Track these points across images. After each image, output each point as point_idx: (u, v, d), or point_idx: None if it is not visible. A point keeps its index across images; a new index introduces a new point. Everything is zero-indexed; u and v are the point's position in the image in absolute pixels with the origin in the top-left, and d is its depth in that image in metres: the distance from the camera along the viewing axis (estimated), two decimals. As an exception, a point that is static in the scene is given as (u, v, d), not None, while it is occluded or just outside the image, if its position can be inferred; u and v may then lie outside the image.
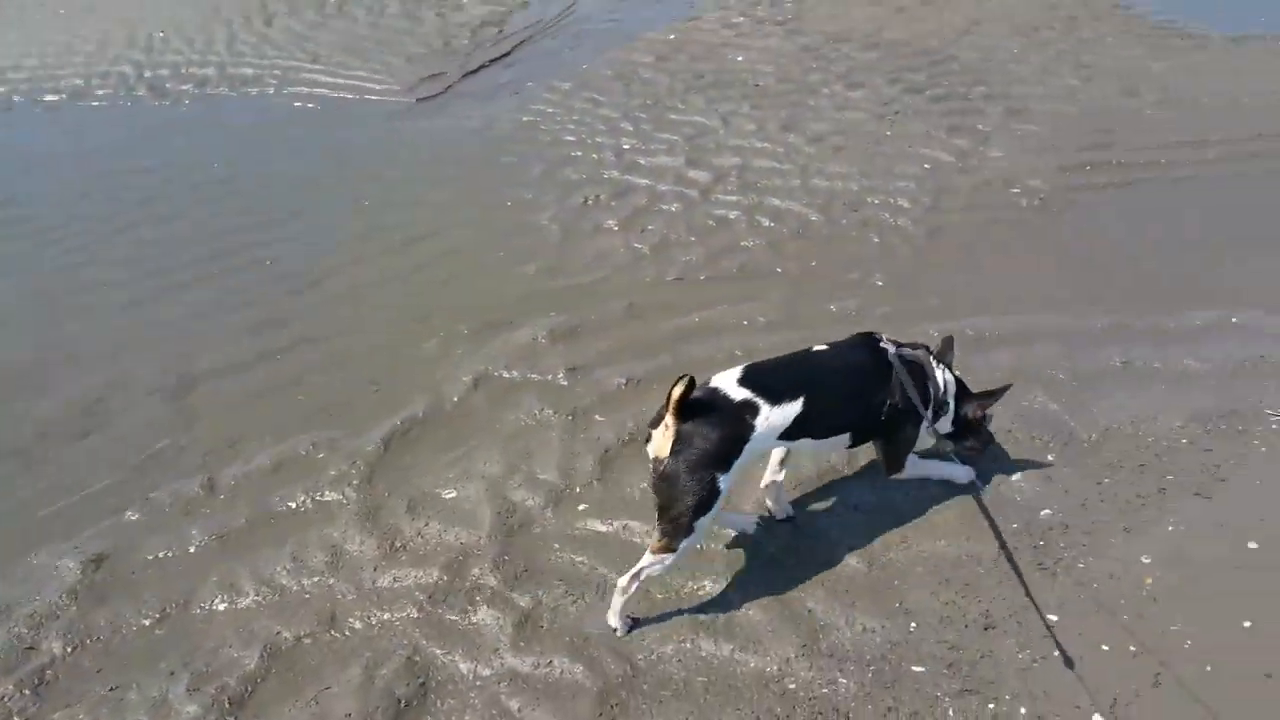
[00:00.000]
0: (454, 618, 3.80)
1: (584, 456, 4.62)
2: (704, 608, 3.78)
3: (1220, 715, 3.21)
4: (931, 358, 4.00)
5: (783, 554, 4.01)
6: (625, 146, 7.97)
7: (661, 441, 3.47)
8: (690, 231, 6.71)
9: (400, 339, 5.65)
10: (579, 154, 7.89)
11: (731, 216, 6.85)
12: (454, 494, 4.43)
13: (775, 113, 8.41)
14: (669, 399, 3.39)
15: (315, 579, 4.05)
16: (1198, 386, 4.81)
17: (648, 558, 3.59)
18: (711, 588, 3.86)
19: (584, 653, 3.62)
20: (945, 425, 4.09)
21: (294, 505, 4.47)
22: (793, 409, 3.59)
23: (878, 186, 7.10)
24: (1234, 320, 5.34)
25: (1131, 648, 3.46)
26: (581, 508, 4.33)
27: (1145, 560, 3.81)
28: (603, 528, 4.22)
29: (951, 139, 7.73)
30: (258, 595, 3.99)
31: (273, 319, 5.93)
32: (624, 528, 4.20)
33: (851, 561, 3.94)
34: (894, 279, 5.99)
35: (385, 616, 3.84)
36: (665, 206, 7.05)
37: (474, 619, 3.79)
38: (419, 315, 5.86)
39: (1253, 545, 3.86)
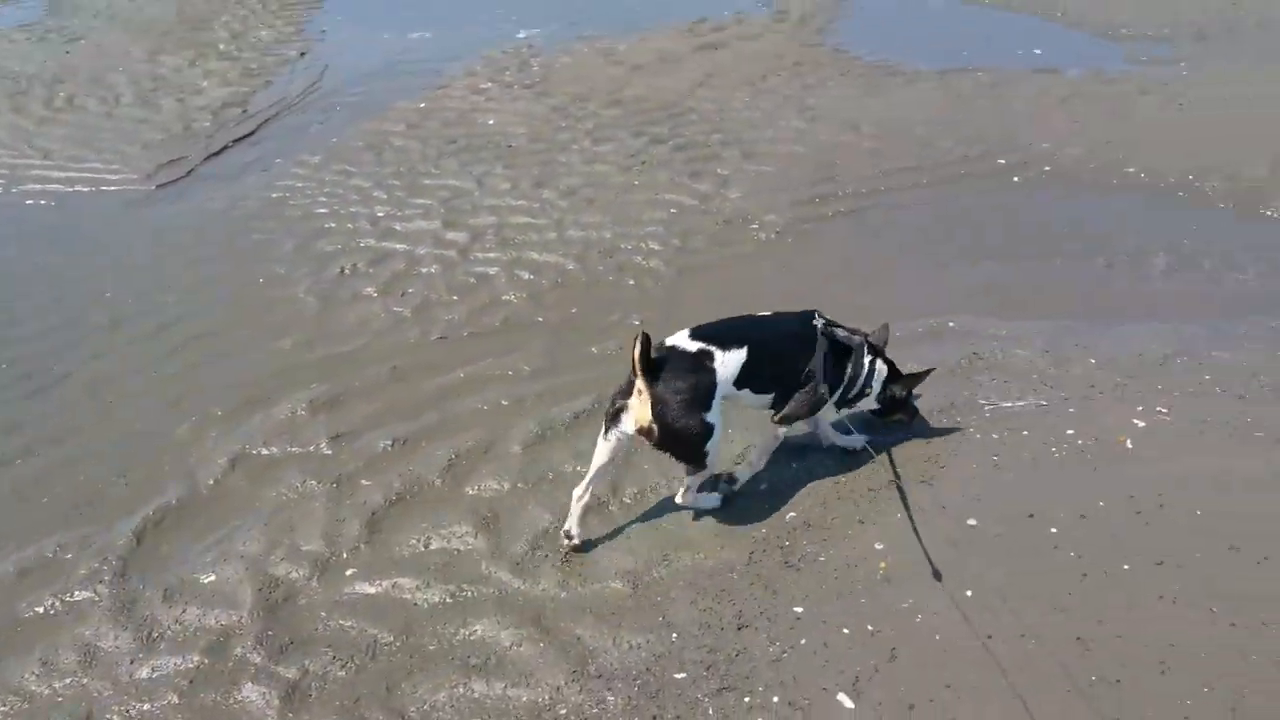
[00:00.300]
0: (217, 699, 3.70)
1: (350, 521, 4.59)
2: (475, 650, 3.84)
3: (948, 678, 3.51)
4: (866, 344, 4.43)
5: (552, 587, 4.11)
6: (380, 214, 7.98)
7: (641, 410, 3.80)
8: (451, 291, 6.79)
9: (150, 428, 5.43)
10: (333, 225, 7.84)
11: (491, 273, 6.99)
12: (213, 577, 4.30)
13: (528, 171, 8.64)
14: (633, 360, 3.71)
15: (68, 680, 3.86)
16: (920, 386, 5.25)
17: (688, 478, 4.20)
18: (482, 631, 3.92)
19: (355, 713, 3.60)
20: (870, 403, 4.59)
21: (42, 610, 4.24)
22: (739, 355, 4.05)
23: (629, 233, 7.42)
24: (950, 325, 5.88)
25: (869, 628, 3.74)
26: (349, 572, 4.30)
27: (878, 547, 4.13)
28: (371, 589, 4.20)
29: (694, 184, 8.17)
30: (4, 706, 3.77)
31: (9, 423, 5.57)
32: (394, 586, 4.20)
33: (617, 585, 4.09)
34: (649, 318, 6.24)
35: (145, 707, 3.70)
36: (424, 269, 7.11)
37: (239, 697, 3.70)
38: (170, 401, 5.66)
39: (971, 522, 4.23)
